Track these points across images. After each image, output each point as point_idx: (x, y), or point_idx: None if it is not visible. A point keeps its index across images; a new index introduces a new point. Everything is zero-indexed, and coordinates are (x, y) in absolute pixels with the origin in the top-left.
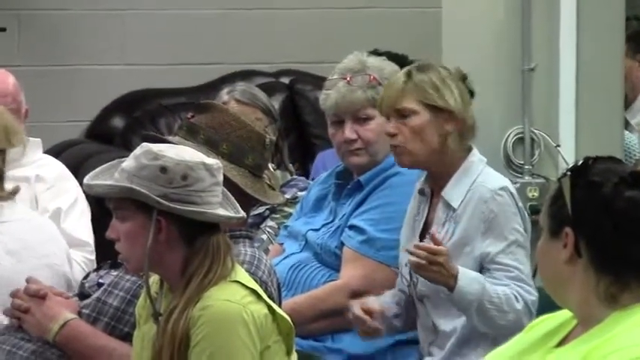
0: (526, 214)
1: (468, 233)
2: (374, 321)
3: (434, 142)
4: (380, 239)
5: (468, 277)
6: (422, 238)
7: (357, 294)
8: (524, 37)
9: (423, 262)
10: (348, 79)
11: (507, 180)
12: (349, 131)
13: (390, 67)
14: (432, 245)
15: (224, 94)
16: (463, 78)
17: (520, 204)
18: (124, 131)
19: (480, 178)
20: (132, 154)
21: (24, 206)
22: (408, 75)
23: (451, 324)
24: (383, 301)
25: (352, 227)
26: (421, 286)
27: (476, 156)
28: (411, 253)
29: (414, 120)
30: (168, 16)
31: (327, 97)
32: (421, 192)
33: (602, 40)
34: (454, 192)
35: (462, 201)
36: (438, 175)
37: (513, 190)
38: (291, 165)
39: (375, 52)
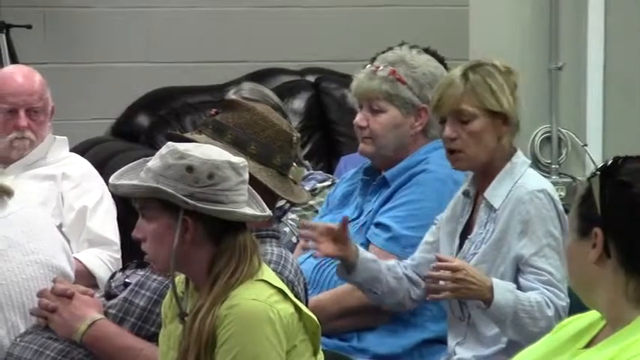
0: (565, 218)
1: (506, 234)
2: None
3: (490, 146)
4: (406, 237)
5: (501, 289)
6: (462, 239)
7: None
8: (552, 36)
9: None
10: (376, 68)
11: (548, 183)
12: (360, 118)
13: (428, 68)
14: (447, 263)
15: (231, 95)
16: (509, 72)
17: (560, 207)
18: (149, 129)
19: (522, 180)
20: (157, 154)
21: (15, 202)
22: (465, 77)
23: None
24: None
25: (378, 225)
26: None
27: (520, 157)
28: (430, 277)
29: (474, 125)
30: (193, 13)
31: (354, 81)
32: (466, 194)
33: (629, 39)
34: (496, 193)
35: (502, 202)
36: (485, 176)
37: (553, 193)
38: (306, 161)
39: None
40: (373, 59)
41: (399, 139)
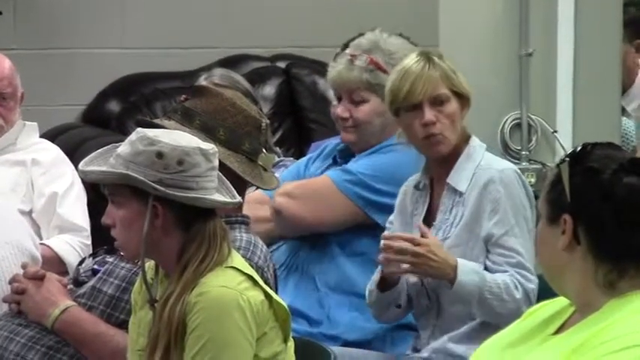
0: (533, 196)
1: (477, 215)
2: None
3: (459, 129)
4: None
5: (466, 268)
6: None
7: None
8: (522, 23)
9: (396, 257)
10: (352, 57)
11: (510, 163)
12: (342, 109)
13: (404, 52)
14: (408, 235)
15: (202, 80)
16: None
17: (528, 186)
18: (119, 115)
19: (484, 162)
20: (127, 140)
21: None
22: (431, 61)
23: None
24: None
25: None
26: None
27: (476, 141)
28: (388, 246)
29: (449, 107)
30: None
31: (330, 70)
32: (416, 187)
33: (599, 25)
34: (460, 177)
35: (468, 184)
36: (443, 162)
37: (519, 172)
38: (277, 147)
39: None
40: (345, 46)
41: (382, 126)
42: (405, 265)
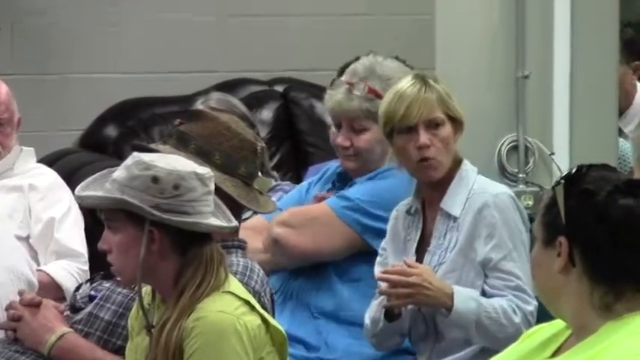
0: (527, 219)
1: (472, 240)
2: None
3: (453, 152)
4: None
5: (462, 296)
6: (419, 255)
7: None
8: (518, 45)
9: (391, 290)
10: (350, 85)
11: (505, 186)
12: (342, 138)
13: (399, 75)
14: (399, 268)
15: (199, 104)
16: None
17: (524, 210)
18: (117, 140)
19: (477, 186)
20: (123, 165)
21: None
22: (427, 84)
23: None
24: None
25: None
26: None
27: (468, 165)
28: (382, 279)
29: (444, 131)
30: (161, 23)
31: (329, 99)
32: (408, 211)
33: (596, 47)
34: (454, 201)
35: (462, 209)
36: (435, 186)
37: (514, 196)
38: (274, 172)
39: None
40: (341, 71)
41: (382, 152)
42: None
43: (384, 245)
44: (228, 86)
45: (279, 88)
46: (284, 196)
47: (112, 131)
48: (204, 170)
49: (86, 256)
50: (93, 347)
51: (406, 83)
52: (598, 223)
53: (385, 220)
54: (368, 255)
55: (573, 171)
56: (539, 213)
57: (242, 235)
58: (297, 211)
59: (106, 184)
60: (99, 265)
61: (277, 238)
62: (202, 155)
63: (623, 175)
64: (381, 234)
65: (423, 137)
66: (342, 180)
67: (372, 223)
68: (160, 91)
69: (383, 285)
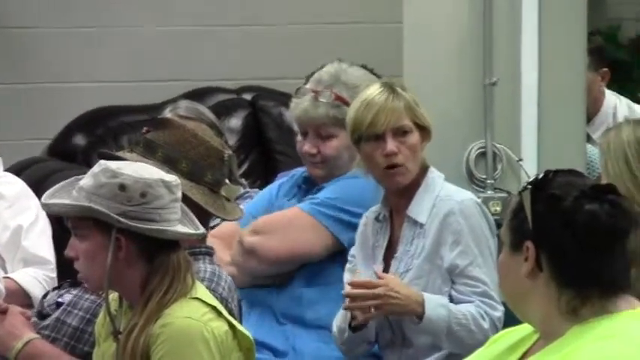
0: (494, 225)
1: (438, 247)
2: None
3: (420, 160)
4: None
5: (433, 303)
6: (387, 262)
7: None
8: (486, 52)
9: (356, 304)
10: (315, 93)
11: (470, 193)
12: (309, 146)
13: (365, 83)
14: (364, 280)
15: (167, 113)
16: None
17: (490, 216)
18: (86, 149)
19: (443, 192)
20: (89, 172)
21: None
22: (394, 92)
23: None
24: None
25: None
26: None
27: (434, 172)
28: (348, 296)
29: (411, 138)
30: (131, 33)
31: (295, 107)
32: (377, 218)
33: (564, 54)
34: (420, 208)
35: (428, 216)
36: (402, 193)
37: (480, 202)
38: (242, 179)
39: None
40: (307, 79)
41: (350, 158)
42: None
43: (353, 252)
44: (196, 95)
45: (248, 97)
46: None
47: (80, 140)
48: (172, 178)
49: (54, 263)
50: (60, 353)
51: (374, 91)
52: (564, 228)
53: (356, 215)
54: (339, 257)
55: (540, 176)
56: (506, 218)
57: (210, 244)
58: (267, 218)
59: (73, 191)
60: (67, 272)
61: (251, 246)
62: (169, 163)
63: (590, 180)
64: (353, 227)
65: (391, 145)
66: (309, 182)
67: (340, 216)
68: (128, 99)
69: (347, 301)
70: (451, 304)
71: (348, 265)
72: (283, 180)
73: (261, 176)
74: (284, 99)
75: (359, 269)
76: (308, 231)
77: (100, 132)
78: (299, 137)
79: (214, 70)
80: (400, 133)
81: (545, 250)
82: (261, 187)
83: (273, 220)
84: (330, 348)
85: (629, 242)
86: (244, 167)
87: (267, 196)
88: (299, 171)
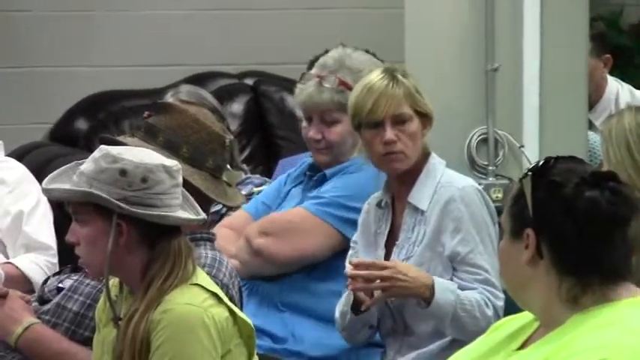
0: (495, 212)
1: (439, 233)
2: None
3: (420, 147)
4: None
5: (442, 287)
6: (388, 249)
7: None
8: (488, 38)
9: (364, 285)
10: (320, 78)
11: (472, 179)
12: (314, 132)
13: (369, 67)
14: (370, 260)
15: (169, 97)
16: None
17: (491, 203)
18: (87, 133)
19: (444, 179)
20: (90, 157)
21: None
22: (395, 79)
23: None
24: None
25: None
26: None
27: (436, 158)
28: (353, 276)
29: (411, 126)
30: (132, 17)
31: (300, 93)
32: (379, 205)
33: (565, 40)
34: (421, 195)
35: (429, 203)
36: (403, 180)
37: (481, 189)
38: (244, 164)
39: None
40: (311, 64)
41: (354, 143)
42: (377, 291)
43: (355, 239)
44: (198, 79)
45: (250, 82)
46: (254, 189)
47: (82, 124)
48: (172, 163)
49: (55, 249)
50: (60, 338)
51: (375, 77)
52: (565, 215)
53: (359, 211)
54: (345, 251)
55: (541, 163)
56: (507, 204)
57: (220, 234)
58: (275, 219)
59: (74, 177)
60: (68, 258)
61: (259, 248)
62: (170, 148)
63: (590, 167)
64: (357, 225)
65: (390, 133)
66: (314, 169)
67: (347, 215)
68: (130, 84)
69: (351, 281)
70: (458, 289)
71: (350, 252)
72: (291, 170)
73: (263, 161)
74: (286, 84)
75: (361, 256)
76: (316, 234)
77: (101, 116)
78: (304, 123)
79: (216, 54)
80: (400, 120)
81: (546, 237)
82: (262, 173)
83: (282, 221)
84: (329, 336)
85: (629, 229)
86: (246, 152)
87: (277, 185)
88: (306, 160)
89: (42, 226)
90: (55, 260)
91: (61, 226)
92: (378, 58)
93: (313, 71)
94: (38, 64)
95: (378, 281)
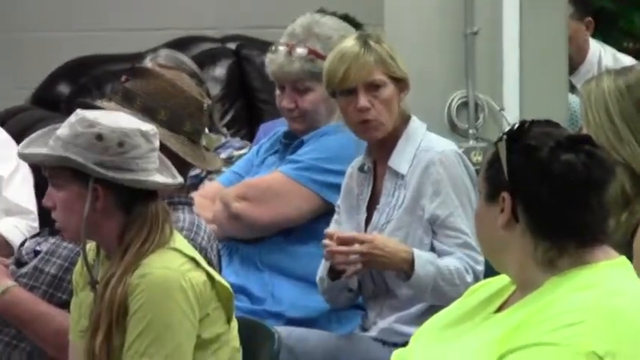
0: (475, 176)
1: (419, 197)
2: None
3: (395, 113)
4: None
5: (422, 260)
6: (370, 213)
7: None
8: (467, 1)
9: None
10: (289, 48)
11: (452, 143)
12: (287, 101)
13: (339, 33)
14: (349, 234)
15: (147, 61)
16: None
17: (471, 166)
18: (69, 97)
19: (425, 143)
20: (66, 122)
21: None
22: (367, 45)
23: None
24: None
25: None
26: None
27: (416, 122)
28: (330, 252)
29: (385, 92)
30: None
31: (270, 63)
32: (361, 169)
33: (545, 2)
34: (401, 159)
35: (409, 167)
36: (382, 145)
37: (460, 152)
38: (224, 128)
39: (331, 14)
40: None
41: (328, 110)
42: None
43: (339, 202)
44: (180, 44)
45: (232, 46)
46: (234, 152)
47: (64, 88)
48: (149, 127)
49: (36, 213)
50: (37, 301)
51: (348, 44)
52: (540, 178)
53: (339, 173)
54: (325, 214)
55: (516, 127)
56: (482, 168)
57: (197, 204)
58: (252, 184)
59: (50, 141)
60: (49, 222)
61: (237, 213)
62: (147, 112)
63: (566, 130)
64: (336, 188)
65: (363, 100)
66: (289, 137)
67: (327, 179)
68: (111, 48)
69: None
70: (438, 259)
71: (335, 217)
72: (262, 141)
73: (245, 125)
74: (268, 48)
75: (343, 220)
76: (296, 198)
77: (83, 81)
78: (277, 92)
79: (199, 18)
80: (373, 87)
81: (521, 200)
82: (245, 137)
83: (261, 185)
84: (308, 298)
85: (606, 193)
86: (228, 116)
87: (250, 155)
88: (280, 129)
89: (22, 191)
90: (36, 224)
91: (42, 190)
92: (357, 21)
93: (282, 40)
94: (20, 30)
95: (357, 255)
